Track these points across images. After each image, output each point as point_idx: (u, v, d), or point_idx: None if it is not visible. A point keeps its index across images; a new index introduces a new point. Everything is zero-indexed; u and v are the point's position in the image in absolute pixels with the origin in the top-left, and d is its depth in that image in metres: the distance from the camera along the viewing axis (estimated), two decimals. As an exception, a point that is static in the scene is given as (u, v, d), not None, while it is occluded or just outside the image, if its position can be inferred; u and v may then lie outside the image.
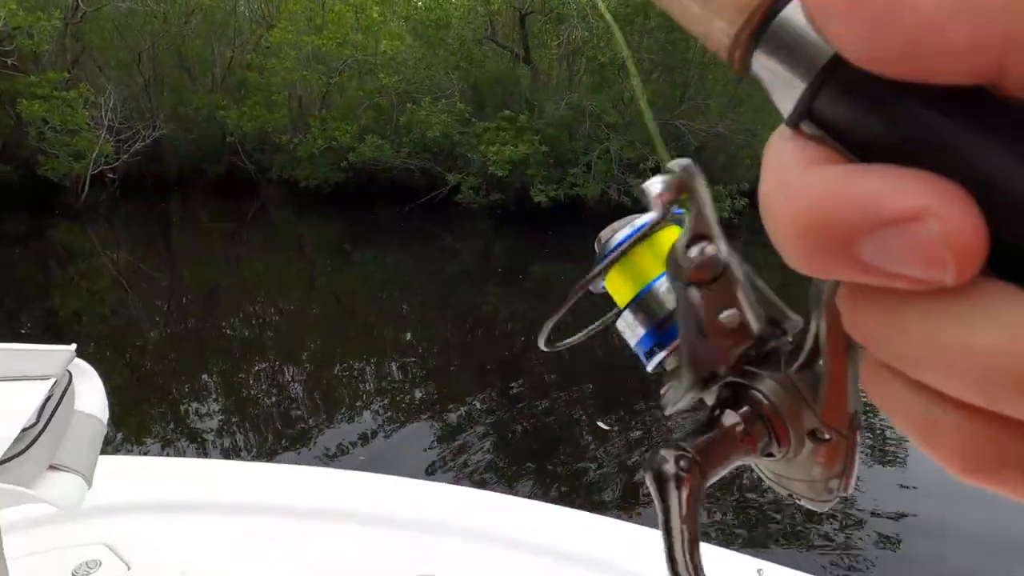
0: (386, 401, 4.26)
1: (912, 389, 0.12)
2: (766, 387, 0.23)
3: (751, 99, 11.01)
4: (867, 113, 0.11)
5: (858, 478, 0.23)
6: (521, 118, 10.77)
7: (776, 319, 0.23)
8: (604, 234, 0.29)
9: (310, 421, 3.98)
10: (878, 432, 3.74)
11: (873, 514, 2.97)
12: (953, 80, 0.10)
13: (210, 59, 14.17)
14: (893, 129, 0.11)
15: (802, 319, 0.23)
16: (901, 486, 3.22)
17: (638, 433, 3.75)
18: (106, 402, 1.27)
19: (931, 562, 2.67)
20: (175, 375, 4.71)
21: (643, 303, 0.27)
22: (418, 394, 4.41)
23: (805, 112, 0.12)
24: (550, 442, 3.71)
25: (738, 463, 0.24)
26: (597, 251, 0.29)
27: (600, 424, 3.80)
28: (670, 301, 0.26)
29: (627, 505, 3.04)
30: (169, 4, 13.19)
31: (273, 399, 4.32)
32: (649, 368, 0.28)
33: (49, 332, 5.34)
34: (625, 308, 0.28)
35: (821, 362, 0.21)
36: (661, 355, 0.27)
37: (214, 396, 4.37)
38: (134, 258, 8.70)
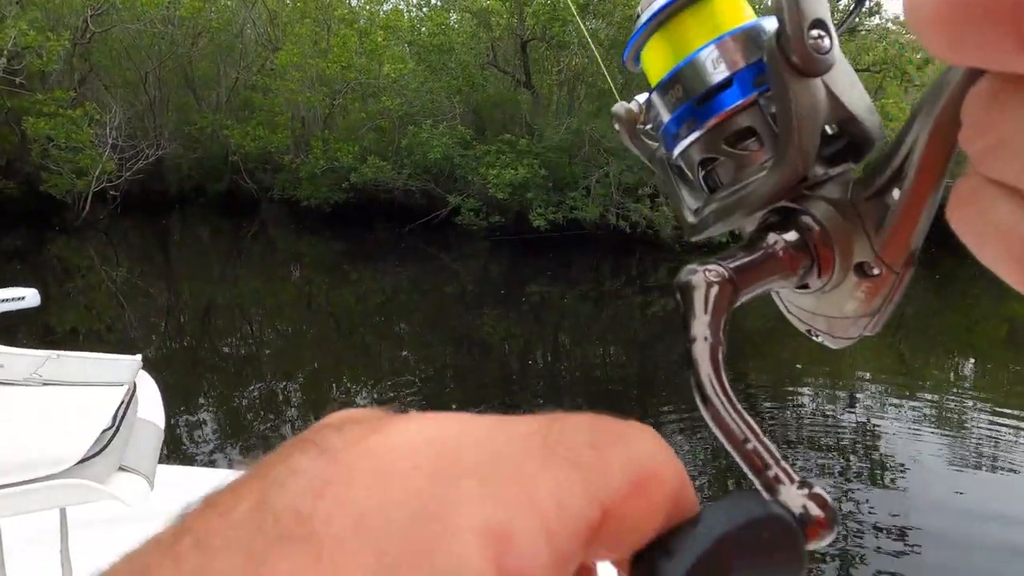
0: (381, 422, 4.21)
1: (1022, 210, 0.11)
2: (820, 211, 0.21)
3: None
4: None
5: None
6: (521, 142, 10.90)
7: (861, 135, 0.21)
8: (644, 2, 0.24)
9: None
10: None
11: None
12: None
13: (215, 80, 14.39)
14: None
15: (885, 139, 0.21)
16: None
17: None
18: (163, 410, 1.34)
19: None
20: (170, 391, 4.66)
21: (685, 73, 0.23)
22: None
23: None
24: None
25: (772, 287, 0.22)
26: (637, 17, 0.24)
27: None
28: (719, 71, 0.22)
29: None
30: (177, 27, 13.43)
31: (268, 417, 4.28)
32: (675, 153, 0.24)
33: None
34: (662, 81, 0.24)
35: (895, 192, 0.19)
36: (695, 134, 0.23)
37: (210, 412, 4.32)
38: (132, 274, 8.70)
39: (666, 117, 0.24)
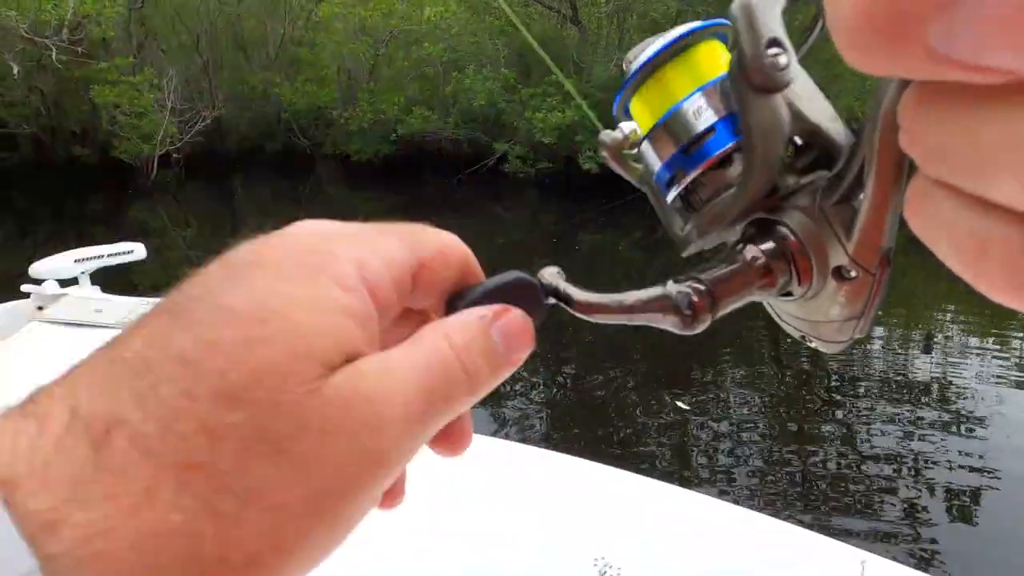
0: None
1: (967, 207, 0.12)
2: (794, 221, 0.23)
3: (818, 51, 10.25)
4: None
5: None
6: (569, 82, 10.49)
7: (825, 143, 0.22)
8: (633, 52, 0.26)
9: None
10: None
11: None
12: None
13: (264, 38, 14.48)
14: None
15: (847, 142, 0.22)
16: None
17: (711, 410, 3.70)
18: None
19: None
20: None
21: (670, 124, 0.25)
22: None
23: None
24: (601, 413, 3.72)
25: (753, 299, 0.24)
26: (624, 71, 0.26)
27: (680, 404, 3.66)
28: (702, 120, 0.24)
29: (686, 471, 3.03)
30: (223, -16, 13.50)
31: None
32: (669, 199, 0.26)
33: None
34: (650, 131, 0.26)
35: (861, 196, 0.21)
36: (687, 180, 0.25)
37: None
38: (201, 234, 9.19)
39: (656, 165, 0.26)
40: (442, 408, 0.19)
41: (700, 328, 0.22)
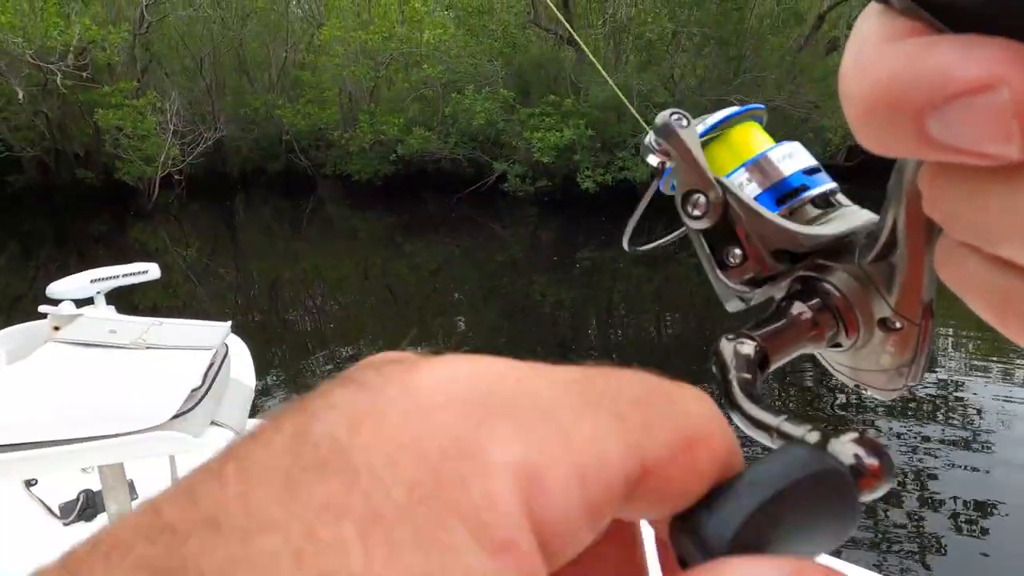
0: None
1: (988, 264, 0.12)
2: (837, 279, 0.24)
3: (811, 70, 10.42)
4: None
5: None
6: (567, 102, 10.62)
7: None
8: (697, 120, 0.28)
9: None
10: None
11: None
12: None
13: (266, 61, 14.71)
14: None
15: (870, 217, 0.24)
16: None
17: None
18: (254, 371, 1.51)
19: None
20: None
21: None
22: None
23: None
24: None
25: (804, 351, 0.25)
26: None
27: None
28: (750, 192, 0.26)
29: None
30: (226, 9, 13.75)
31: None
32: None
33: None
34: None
35: (897, 253, 0.22)
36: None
37: (279, 385, 4.59)
38: (202, 255, 9.22)
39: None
40: None
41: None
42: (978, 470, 3.07)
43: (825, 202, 0.26)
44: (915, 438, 3.42)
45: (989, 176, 0.11)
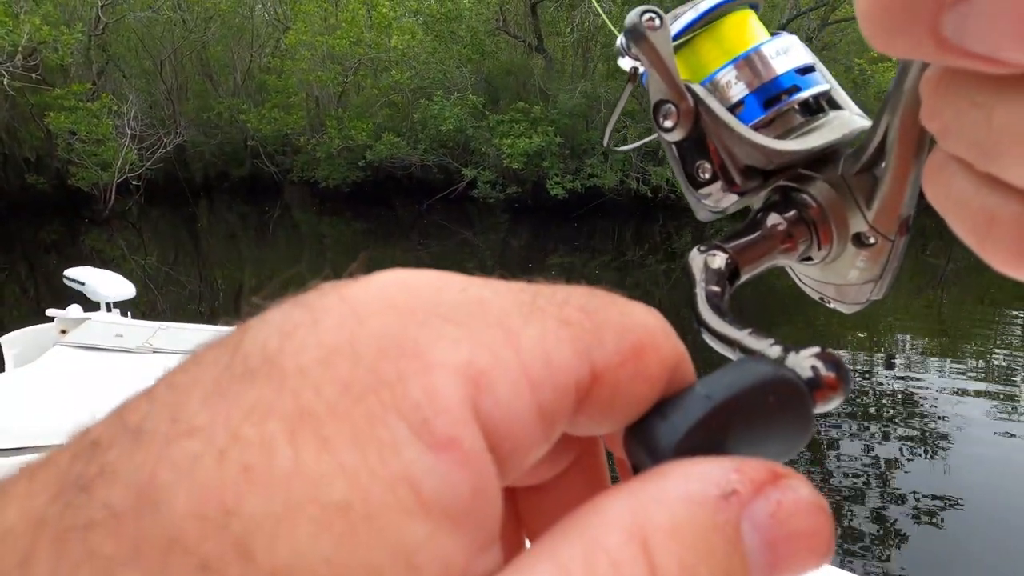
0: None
1: (977, 183, 0.12)
2: (817, 190, 0.23)
3: (835, 47, 10.72)
4: None
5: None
6: (535, 109, 10.70)
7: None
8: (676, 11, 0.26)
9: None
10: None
11: None
12: None
13: (231, 65, 14.39)
14: None
15: (865, 122, 0.23)
16: None
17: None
18: None
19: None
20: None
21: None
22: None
23: None
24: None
25: (776, 263, 0.24)
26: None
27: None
28: (735, 93, 0.24)
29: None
30: (187, 11, 13.41)
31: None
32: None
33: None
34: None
35: (883, 165, 0.21)
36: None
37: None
38: (162, 262, 8.92)
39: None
40: None
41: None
42: (936, 464, 3.19)
43: (817, 105, 0.24)
44: (874, 437, 3.54)
45: (996, 85, 0.11)
